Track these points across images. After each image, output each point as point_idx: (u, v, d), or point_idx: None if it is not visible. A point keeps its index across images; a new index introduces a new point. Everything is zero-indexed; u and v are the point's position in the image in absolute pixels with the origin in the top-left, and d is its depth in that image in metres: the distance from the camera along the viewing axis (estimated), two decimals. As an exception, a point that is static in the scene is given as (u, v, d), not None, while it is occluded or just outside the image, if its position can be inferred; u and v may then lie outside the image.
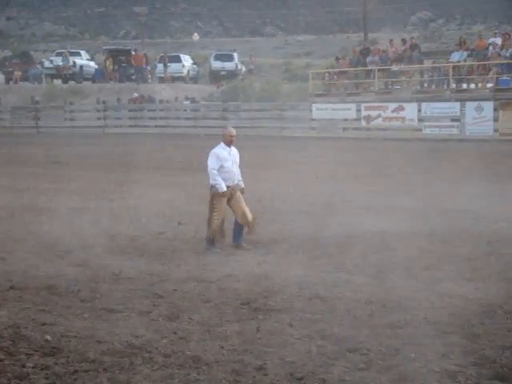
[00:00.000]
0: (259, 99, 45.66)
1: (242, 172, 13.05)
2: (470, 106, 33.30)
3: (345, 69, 39.24)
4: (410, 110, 35.22)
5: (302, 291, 9.80)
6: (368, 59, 38.05)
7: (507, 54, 33.98)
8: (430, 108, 34.60)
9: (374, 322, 8.44)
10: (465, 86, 36.03)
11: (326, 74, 41.15)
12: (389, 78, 37.67)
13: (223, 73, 55.74)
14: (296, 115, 39.32)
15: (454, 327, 8.23)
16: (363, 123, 36.81)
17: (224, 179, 12.63)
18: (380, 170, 23.38)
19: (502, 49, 34.48)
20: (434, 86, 36.59)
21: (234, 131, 12.91)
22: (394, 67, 37.18)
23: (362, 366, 7.13)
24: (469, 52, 35.62)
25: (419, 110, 34.97)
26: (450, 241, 13.00)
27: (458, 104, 33.83)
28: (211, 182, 12.74)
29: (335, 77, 39.79)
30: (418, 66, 37.29)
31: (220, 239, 12.75)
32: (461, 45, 36.25)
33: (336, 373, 6.94)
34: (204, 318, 8.64)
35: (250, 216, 12.81)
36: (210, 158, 12.77)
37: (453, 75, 35.09)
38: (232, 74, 55.21)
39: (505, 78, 33.80)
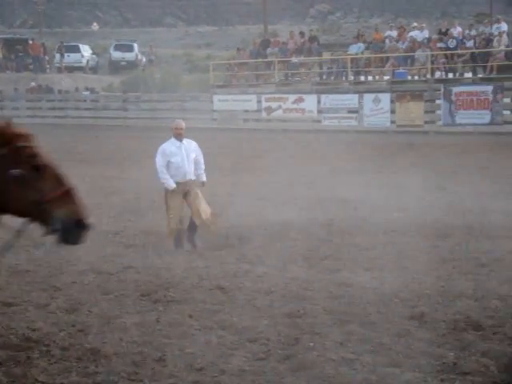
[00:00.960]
0: (160, 90, 45.30)
1: (199, 162, 12.23)
2: (368, 97, 33.83)
3: (245, 60, 39.33)
4: (310, 102, 35.55)
5: (202, 282, 9.80)
6: (268, 51, 38.21)
7: (403, 47, 34.67)
8: (329, 100, 34.99)
9: (273, 312, 8.51)
10: (363, 78, 36.55)
11: (227, 66, 41.15)
12: (289, 69, 37.90)
13: (123, 63, 55.19)
14: (197, 106, 39.19)
15: (352, 316, 8.37)
16: (264, 114, 36.97)
17: (174, 175, 11.92)
18: (280, 161, 23.53)
19: (397, 42, 35.16)
20: (332, 78, 37.02)
21: (182, 123, 12.16)
22: (294, 59, 37.44)
23: (261, 355, 7.19)
24: (366, 45, 36.17)
25: (318, 102, 35.32)
26: (348, 231, 13.20)
27: (356, 96, 34.32)
28: (158, 178, 12.16)
29: (236, 68, 39.82)
30: (317, 58, 37.63)
31: (181, 237, 12.00)
32: (358, 37, 36.79)
33: (235, 363, 6.97)
34: (103, 310, 8.56)
35: (206, 213, 11.98)
36: (156, 155, 12.11)
37: (351, 67, 35.57)
38: (132, 65, 54.69)
39: (401, 70, 34.46)
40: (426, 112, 33.21)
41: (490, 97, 30.99)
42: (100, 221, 14.07)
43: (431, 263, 10.85)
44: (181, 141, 12.05)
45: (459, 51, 33.14)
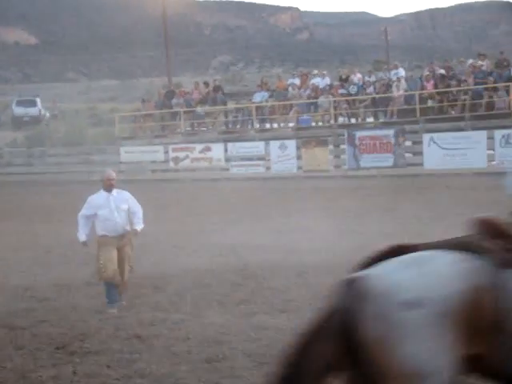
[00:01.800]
0: (65, 144, 44.84)
1: (135, 212, 11.41)
2: (274, 144, 34.23)
3: (151, 111, 39.37)
4: (217, 151, 35.76)
5: (118, 332, 9.67)
6: (173, 101, 38.35)
7: (306, 94, 35.29)
8: (236, 148, 35.28)
9: (192, 358, 8.46)
10: (268, 125, 36.98)
11: (133, 117, 41.09)
12: (194, 119, 38.09)
13: (26, 119, 54.50)
14: (104, 159, 38.86)
15: (270, 357, 8.36)
16: (171, 165, 36.98)
17: (103, 229, 11.14)
18: (189, 210, 23.53)
19: (300, 89, 35.78)
20: (238, 126, 37.35)
21: (112, 174, 11.46)
22: (199, 109, 37.66)
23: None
24: (270, 93, 36.67)
25: (226, 150, 35.55)
26: (262, 275, 13.24)
27: (262, 143, 34.68)
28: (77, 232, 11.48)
29: (141, 120, 39.80)
30: (222, 107, 37.96)
31: (115, 280, 11.20)
32: (262, 86, 37.27)
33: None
34: (17, 364, 8.34)
35: (124, 277, 11.33)
36: (83, 206, 11.46)
37: (256, 115, 35.99)
38: (36, 120, 54.06)
39: (305, 117, 35.06)
40: (332, 157, 33.83)
41: (392, 140, 31.77)
42: (9, 276, 13.84)
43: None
44: (110, 192, 11.31)
45: (360, 97, 33.95)
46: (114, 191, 11.37)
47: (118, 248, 11.19)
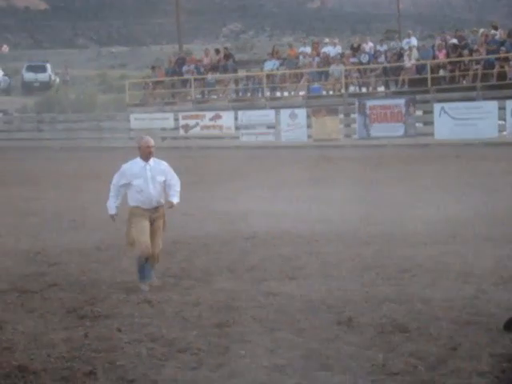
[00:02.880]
0: (75, 110, 44.85)
1: (172, 185, 10.36)
2: (285, 113, 34.17)
3: (161, 78, 39.26)
4: (227, 119, 35.71)
5: (129, 297, 9.73)
6: (184, 68, 38.24)
7: (317, 63, 35.11)
8: (247, 116, 35.22)
9: (202, 323, 8.50)
10: (278, 94, 36.89)
11: (143, 84, 41.00)
12: (205, 87, 38.00)
13: (36, 84, 54.44)
14: (114, 126, 38.90)
15: (281, 323, 8.42)
16: (181, 132, 36.98)
17: (136, 200, 10.20)
18: (199, 178, 23.52)
19: (311, 57, 35.61)
20: (249, 95, 37.26)
21: (151, 141, 10.33)
22: (210, 76, 37.55)
23: (193, 365, 7.17)
24: (281, 61, 36.53)
25: (236, 118, 35.50)
26: (272, 242, 13.27)
27: (272, 111, 34.62)
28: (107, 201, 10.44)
29: (152, 87, 39.69)
30: (232, 74, 37.85)
31: (147, 253, 10.19)
32: (273, 54, 37.13)
33: (167, 373, 6.94)
34: (29, 327, 8.40)
35: (155, 250, 10.32)
36: (115, 175, 10.43)
37: (267, 83, 35.88)
38: (46, 86, 53.97)
39: (315, 85, 34.93)
40: (342, 126, 33.75)
41: (403, 110, 31.65)
42: (19, 240, 13.91)
43: (355, 270, 11.01)
44: (147, 161, 10.28)
45: (372, 66, 33.78)
46: (152, 160, 10.32)
47: (151, 221, 10.26)
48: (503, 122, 29.55)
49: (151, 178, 10.21)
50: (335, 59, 34.55)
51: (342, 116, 33.75)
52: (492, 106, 29.51)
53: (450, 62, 31.64)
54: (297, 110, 33.97)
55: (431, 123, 31.20)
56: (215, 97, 38.27)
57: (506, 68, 30.09)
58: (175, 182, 10.42)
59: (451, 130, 30.20)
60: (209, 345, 7.69)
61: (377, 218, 15.40)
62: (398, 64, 33.07)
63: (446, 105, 30.56)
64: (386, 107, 32.13)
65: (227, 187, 21.04)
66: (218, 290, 9.96)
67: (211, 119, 36.04)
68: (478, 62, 30.92)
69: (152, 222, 10.28)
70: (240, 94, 37.92)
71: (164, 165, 10.42)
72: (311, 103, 34.09)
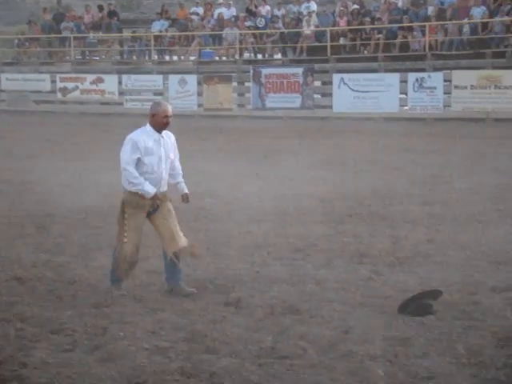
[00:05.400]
0: None
1: (177, 167, 9.20)
2: (173, 79, 33.97)
3: (37, 35, 38.40)
4: (110, 83, 35.26)
5: (-4, 274, 9.62)
6: (62, 25, 37.43)
7: (209, 26, 35.02)
8: (132, 80, 34.86)
9: (78, 302, 8.50)
10: (167, 57, 36.61)
11: (16, 41, 39.98)
12: (86, 47, 37.39)
13: None
14: (-18, 85, 37.94)
15: (164, 304, 8.49)
16: (59, 96, 36.31)
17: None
18: (78, 146, 23.28)
19: (203, 19, 35.49)
20: (134, 57, 36.86)
21: (170, 109, 8.81)
22: (92, 35, 37.01)
23: (66, 347, 7.18)
24: (170, 22, 36.25)
25: (120, 83, 35.09)
26: (157, 217, 13.25)
27: (160, 77, 34.37)
28: (126, 184, 8.75)
29: (27, 44, 38.79)
30: (117, 35, 37.39)
31: (128, 272, 8.99)
32: (162, 14, 36.81)
33: (38, 355, 6.92)
34: None
35: (182, 240, 9.02)
36: (123, 149, 8.73)
37: (154, 46, 35.57)
38: None
39: (208, 50, 34.83)
40: (235, 95, 33.82)
41: (301, 79, 31.95)
42: None
43: (245, 249, 11.14)
44: (161, 133, 8.84)
45: (268, 31, 33.92)
46: (164, 133, 8.90)
47: (153, 210, 8.88)
48: (405, 96, 30.19)
49: (165, 157, 8.83)
50: (229, 22, 34.51)
51: (235, 84, 33.79)
52: (394, 78, 30.09)
53: (351, 30, 32.08)
54: (187, 76, 33.83)
55: (330, 95, 31.59)
56: (97, 58, 37.73)
57: (410, 38, 30.72)
58: (178, 162, 9.19)
59: (351, 102, 30.68)
60: (85, 326, 7.70)
61: (270, 193, 15.57)
62: (296, 30, 33.31)
63: (346, 76, 30.99)
64: (283, 76, 32.36)
65: (108, 157, 20.80)
66: (97, 268, 9.95)
67: (92, 83, 35.54)
68: (380, 31, 31.45)
69: (156, 211, 8.90)
70: (125, 56, 37.45)
71: (173, 138, 9.05)
72: (202, 69, 33.99)
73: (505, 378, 6.34)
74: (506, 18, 29.18)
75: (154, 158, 8.70)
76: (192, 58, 35.64)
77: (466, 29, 29.66)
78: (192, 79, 33.73)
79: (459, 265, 10.10)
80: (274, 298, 8.68)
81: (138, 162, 8.65)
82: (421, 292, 8.46)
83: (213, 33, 34.86)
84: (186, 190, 9.21)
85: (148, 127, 8.75)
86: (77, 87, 35.87)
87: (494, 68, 28.71)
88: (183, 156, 17.64)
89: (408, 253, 10.81)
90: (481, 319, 7.87)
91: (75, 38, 36.87)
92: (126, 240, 8.78)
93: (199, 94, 33.60)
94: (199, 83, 33.52)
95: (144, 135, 8.69)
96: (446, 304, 8.29)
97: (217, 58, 35.21)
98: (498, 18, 29.28)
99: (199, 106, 33.63)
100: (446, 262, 10.28)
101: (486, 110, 28.17)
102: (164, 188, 8.90)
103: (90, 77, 35.62)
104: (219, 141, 24.93)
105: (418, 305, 8.10)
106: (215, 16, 35.17)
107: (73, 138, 25.93)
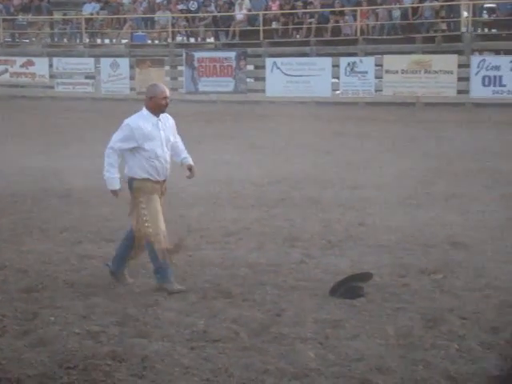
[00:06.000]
0: None
1: (182, 149, 8.82)
2: (105, 62, 33.67)
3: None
4: (41, 66, 34.81)
5: None
6: (-9, 7, 36.87)
7: (141, 9, 34.75)
8: (63, 63, 34.45)
9: (8, 287, 8.42)
10: (99, 40, 36.27)
11: None
12: (15, 29, 36.81)
13: None
14: None
15: (96, 288, 8.45)
16: (-12, 79, 35.76)
17: (147, 171, 8.36)
18: (7, 130, 22.94)
19: (135, 2, 35.19)
20: (65, 40, 36.44)
21: (167, 90, 8.52)
22: (21, 17, 36.43)
23: (-5, 332, 7.10)
24: (101, 4, 35.88)
25: (50, 66, 34.65)
26: (89, 202, 13.19)
27: (92, 60, 34.05)
28: (104, 171, 8.49)
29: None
30: (47, 17, 36.87)
31: (172, 255, 8.57)
32: (94, -4, 36.44)
33: (-36, 342, 6.84)
34: None
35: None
36: (117, 133, 8.44)
37: (86, 29, 35.18)
38: None
39: (140, 33, 34.58)
40: (168, 78, 33.65)
41: (233, 63, 31.93)
42: None
43: (178, 233, 11.10)
44: (158, 116, 8.47)
45: (201, 14, 33.80)
46: (161, 116, 8.52)
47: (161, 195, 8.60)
48: (337, 81, 30.38)
49: (165, 140, 8.48)
50: (161, 5, 34.30)
51: (168, 68, 33.64)
52: (326, 63, 30.26)
53: (283, 14, 32.14)
54: (119, 60, 33.57)
55: (263, 79, 31.65)
56: (27, 41, 37.19)
57: (341, 23, 30.90)
58: (181, 143, 8.85)
59: (283, 86, 30.77)
60: (15, 311, 7.64)
61: (203, 178, 15.52)
62: (228, 14, 33.26)
63: (279, 60, 31.08)
64: (216, 60, 32.31)
65: (39, 142, 20.64)
66: (27, 252, 9.86)
67: (22, 66, 35.03)
68: (312, 15, 31.54)
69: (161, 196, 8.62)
70: (55, 38, 36.98)
71: (172, 120, 8.68)
72: (135, 52, 33.76)
73: (432, 359, 6.45)
74: (436, 3, 29.59)
75: (156, 142, 8.35)
76: (124, 41, 35.37)
77: (397, 13, 29.95)
78: (124, 62, 33.48)
79: (390, 248, 10.23)
80: (207, 282, 8.69)
81: (139, 150, 8.32)
82: (352, 275, 8.55)
83: (145, 16, 34.62)
84: (191, 162, 8.80)
85: (144, 111, 8.42)
86: (6, 70, 35.33)
87: (424, 53, 29.05)
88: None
89: (340, 236, 10.91)
90: (410, 301, 7.98)
91: (4, 20, 36.26)
92: (151, 230, 8.37)
93: (131, 77, 33.37)
94: (131, 67, 33.30)
95: (141, 120, 8.35)
96: (376, 286, 8.39)
97: (149, 42, 35.00)
98: (427, 3, 29.61)
99: (132, 89, 33.37)
100: (377, 244, 10.40)
101: (417, 95, 28.50)
102: (166, 174, 8.54)
103: (20, 59, 35.12)
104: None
105: (349, 287, 8.18)
106: (149, -1, 34.93)
107: (2, 121, 25.55)
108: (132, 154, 8.36)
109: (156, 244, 8.37)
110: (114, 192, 8.51)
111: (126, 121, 8.41)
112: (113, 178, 8.41)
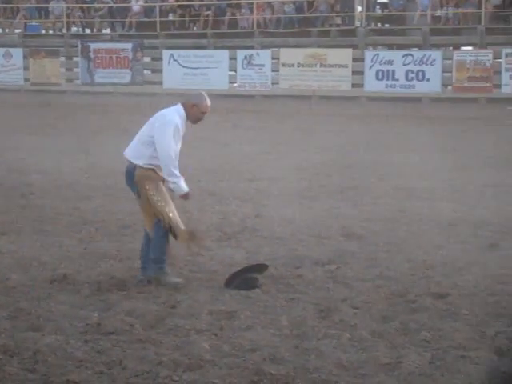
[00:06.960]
0: None
1: None
2: (-2, 52, 33.06)
3: None
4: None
5: None
6: None
7: (37, -2, 34.22)
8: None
9: None
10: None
11: None
12: None
13: None
14: None
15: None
16: None
17: (156, 163, 8.21)
18: None
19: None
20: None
21: (209, 108, 8.37)
22: None
23: None
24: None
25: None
26: None
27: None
28: (166, 175, 8.20)
29: None
30: None
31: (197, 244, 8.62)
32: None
33: None
34: None
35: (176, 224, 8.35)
36: (166, 131, 8.15)
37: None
38: None
39: (33, 23, 34.02)
40: (63, 69, 33.21)
41: (130, 55, 31.72)
42: None
43: (73, 225, 11.01)
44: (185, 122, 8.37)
45: (96, 5, 33.43)
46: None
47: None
48: (234, 73, 30.47)
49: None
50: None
51: (63, 59, 33.21)
52: (223, 55, 30.34)
53: (180, 6, 32.02)
54: (12, 50, 33.01)
55: (160, 71, 31.52)
56: None
57: (238, 15, 30.98)
58: None
59: (181, 79, 30.69)
60: None
61: (99, 170, 15.43)
62: (124, 5, 32.99)
63: (176, 52, 31.01)
64: (112, 51, 32.04)
65: None
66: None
67: None
68: (208, 7, 31.54)
69: None
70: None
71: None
72: (28, 43, 33.21)
73: (325, 348, 6.54)
74: (330, -2, 29.94)
75: (180, 145, 8.26)
76: (17, 30, 34.71)
77: (290, 7, 30.19)
78: (17, 53, 32.92)
79: (285, 239, 10.32)
80: (101, 274, 8.62)
81: None
82: (247, 266, 8.60)
83: (38, 5, 34.05)
84: None
85: (181, 111, 8.25)
86: None
87: (320, 46, 29.38)
88: (6, 132, 17.22)
89: (236, 228, 10.96)
90: (304, 292, 8.08)
91: None
92: (171, 214, 8.21)
93: (25, 68, 32.81)
94: (25, 57, 32.75)
95: (180, 120, 8.22)
96: (271, 277, 8.46)
97: (43, 32, 34.44)
98: (323, -2, 29.96)
99: (26, 80, 32.83)
100: (273, 236, 10.48)
101: (312, 88, 28.81)
102: None
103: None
104: (47, 116, 24.43)
105: (244, 279, 8.23)
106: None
107: None
108: (150, 145, 8.17)
109: (176, 228, 8.25)
110: (187, 194, 8.38)
111: (171, 118, 8.19)
112: (182, 183, 8.25)
